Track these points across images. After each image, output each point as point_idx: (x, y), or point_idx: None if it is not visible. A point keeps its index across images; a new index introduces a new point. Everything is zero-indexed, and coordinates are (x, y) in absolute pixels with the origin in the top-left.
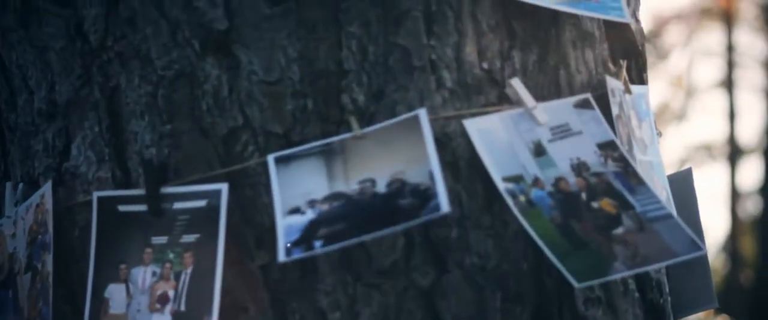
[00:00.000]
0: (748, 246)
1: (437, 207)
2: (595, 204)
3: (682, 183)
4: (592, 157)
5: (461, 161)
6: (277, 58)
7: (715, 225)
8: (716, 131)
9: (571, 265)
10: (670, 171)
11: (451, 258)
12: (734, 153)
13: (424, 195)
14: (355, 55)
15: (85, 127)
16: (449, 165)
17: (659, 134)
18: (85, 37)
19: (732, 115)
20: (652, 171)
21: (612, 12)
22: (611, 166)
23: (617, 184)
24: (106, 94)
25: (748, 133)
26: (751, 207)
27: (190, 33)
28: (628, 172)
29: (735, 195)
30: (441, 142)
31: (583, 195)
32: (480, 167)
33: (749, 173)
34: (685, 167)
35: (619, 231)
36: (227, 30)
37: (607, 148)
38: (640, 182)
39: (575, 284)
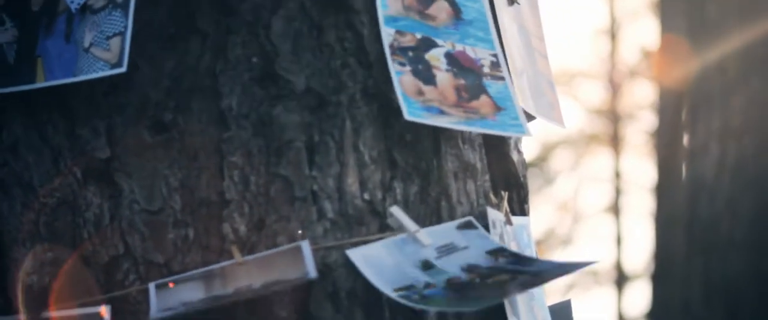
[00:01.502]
0: None
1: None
2: (489, 280)
3: (562, 314)
4: (482, 260)
5: (342, 292)
6: (158, 187)
7: None
8: (603, 257)
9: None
10: (555, 297)
11: None
12: (621, 278)
13: None
14: (237, 184)
15: None
16: (330, 296)
17: None
18: None
19: (619, 241)
20: (532, 301)
21: (511, 128)
22: (503, 261)
23: (511, 267)
24: None
25: (635, 259)
26: None
27: (72, 161)
28: (521, 260)
29: None
30: (322, 272)
31: (477, 280)
32: (361, 297)
33: (636, 299)
34: (566, 298)
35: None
36: (109, 158)
37: (497, 252)
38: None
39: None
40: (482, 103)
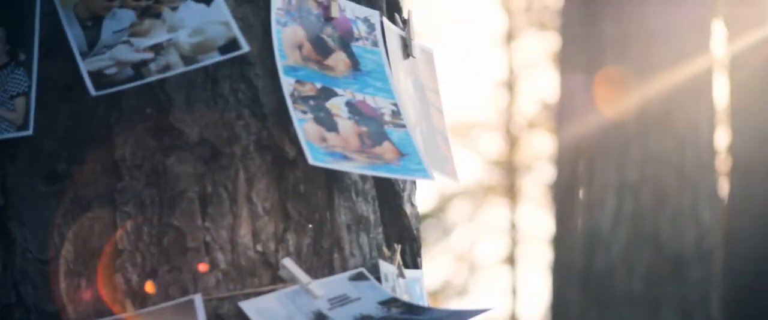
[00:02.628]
0: None
1: None
2: None
3: None
4: (375, 311)
5: None
6: (51, 236)
7: None
8: (499, 308)
9: None
10: None
11: None
12: None
13: None
14: (130, 234)
15: None
16: None
17: None
18: None
19: (515, 292)
20: None
21: (415, 173)
22: (395, 312)
23: (404, 316)
24: None
25: (531, 311)
26: None
27: None
28: (413, 309)
29: None
30: None
31: None
32: None
33: None
34: None
35: None
36: (3, 207)
37: (390, 302)
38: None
39: None
40: (385, 149)
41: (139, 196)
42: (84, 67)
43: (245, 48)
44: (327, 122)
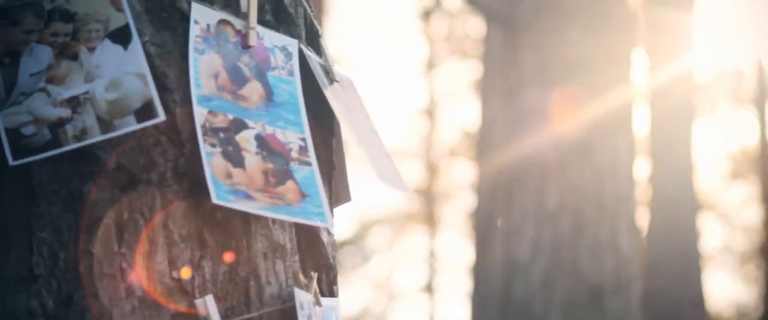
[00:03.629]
0: None
1: None
2: None
3: None
4: None
5: None
6: None
7: None
8: None
9: None
10: None
11: None
12: None
13: None
14: (46, 260)
15: None
16: None
17: None
18: None
19: None
20: None
21: (314, 217)
22: None
23: None
24: None
25: None
26: None
27: None
28: None
29: None
30: None
31: None
32: None
33: None
34: None
35: None
36: None
37: None
38: None
39: None
40: (288, 188)
41: (56, 222)
42: (2, 122)
43: (161, 117)
44: (234, 157)
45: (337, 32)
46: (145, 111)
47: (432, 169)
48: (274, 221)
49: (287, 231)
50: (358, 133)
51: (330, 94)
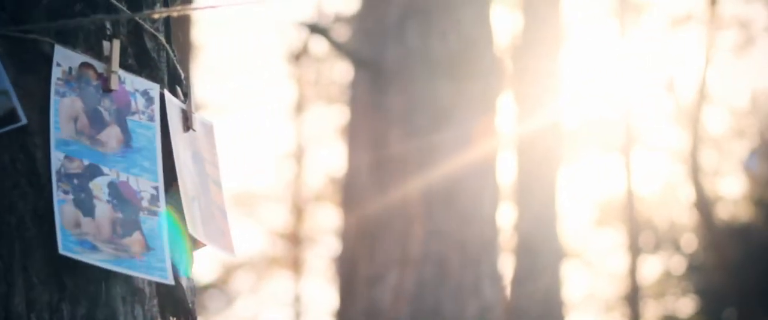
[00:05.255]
0: None
1: None
2: None
3: None
4: None
5: None
6: None
7: None
8: None
9: None
10: None
11: None
12: None
13: None
14: None
15: None
16: None
17: None
18: None
19: None
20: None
21: (155, 272)
22: None
23: None
24: None
25: None
26: None
27: None
28: None
29: None
30: None
31: None
32: None
33: None
34: None
35: None
36: None
37: None
38: None
39: None
40: (134, 240)
41: None
42: None
43: (23, 120)
44: (85, 205)
45: (206, 76)
46: (6, 118)
47: (297, 213)
48: None
49: None
50: (194, 187)
51: (180, 141)
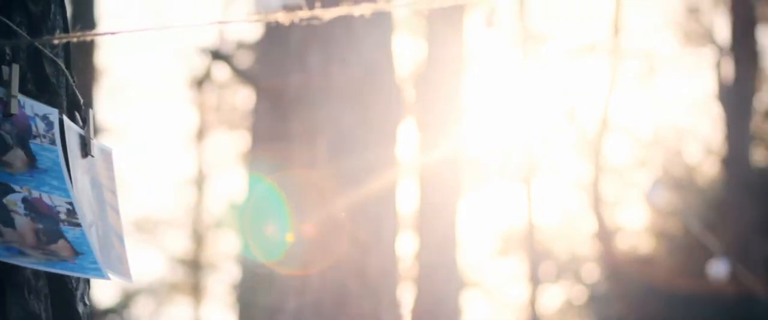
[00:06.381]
0: None
1: None
2: None
3: None
4: None
5: None
6: None
7: None
8: None
9: None
10: None
11: None
12: None
13: None
14: None
15: None
16: None
17: None
18: None
19: None
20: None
21: (90, 272)
22: None
23: None
24: None
25: None
26: None
27: None
28: None
29: None
30: None
31: None
32: None
33: None
34: None
35: None
36: None
37: None
38: None
39: None
40: (61, 246)
41: None
42: None
43: None
44: (4, 218)
45: (108, 100)
46: None
47: (198, 240)
48: (29, 291)
49: (42, 301)
50: (92, 213)
51: (79, 167)
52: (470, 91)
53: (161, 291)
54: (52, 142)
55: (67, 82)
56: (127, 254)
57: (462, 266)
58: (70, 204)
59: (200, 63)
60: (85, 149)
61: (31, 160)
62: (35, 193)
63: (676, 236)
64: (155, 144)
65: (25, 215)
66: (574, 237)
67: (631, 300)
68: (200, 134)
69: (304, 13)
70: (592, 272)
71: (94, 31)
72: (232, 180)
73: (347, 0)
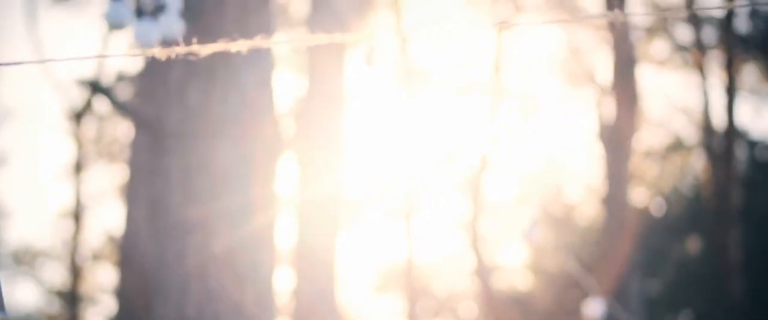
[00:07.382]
0: None
1: None
2: None
3: None
4: None
5: None
6: None
7: None
8: None
9: None
10: None
11: None
12: None
13: None
14: None
15: None
16: None
17: None
18: None
19: None
20: None
21: None
22: None
23: None
24: None
25: None
26: None
27: None
28: None
29: None
30: None
31: None
32: None
33: None
34: None
35: None
36: None
37: None
38: None
39: None
40: None
41: None
42: None
43: None
44: None
45: None
46: None
47: (75, 272)
48: None
49: None
50: None
51: None
52: (351, 128)
53: None
54: None
55: None
56: (2, 286)
57: (340, 302)
58: None
59: (79, 95)
60: None
61: None
62: None
63: (553, 274)
64: (34, 175)
65: None
66: (453, 274)
67: None
68: (78, 166)
69: (182, 49)
70: (470, 309)
71: None
72: (109, 213)
73: (226, 36)
